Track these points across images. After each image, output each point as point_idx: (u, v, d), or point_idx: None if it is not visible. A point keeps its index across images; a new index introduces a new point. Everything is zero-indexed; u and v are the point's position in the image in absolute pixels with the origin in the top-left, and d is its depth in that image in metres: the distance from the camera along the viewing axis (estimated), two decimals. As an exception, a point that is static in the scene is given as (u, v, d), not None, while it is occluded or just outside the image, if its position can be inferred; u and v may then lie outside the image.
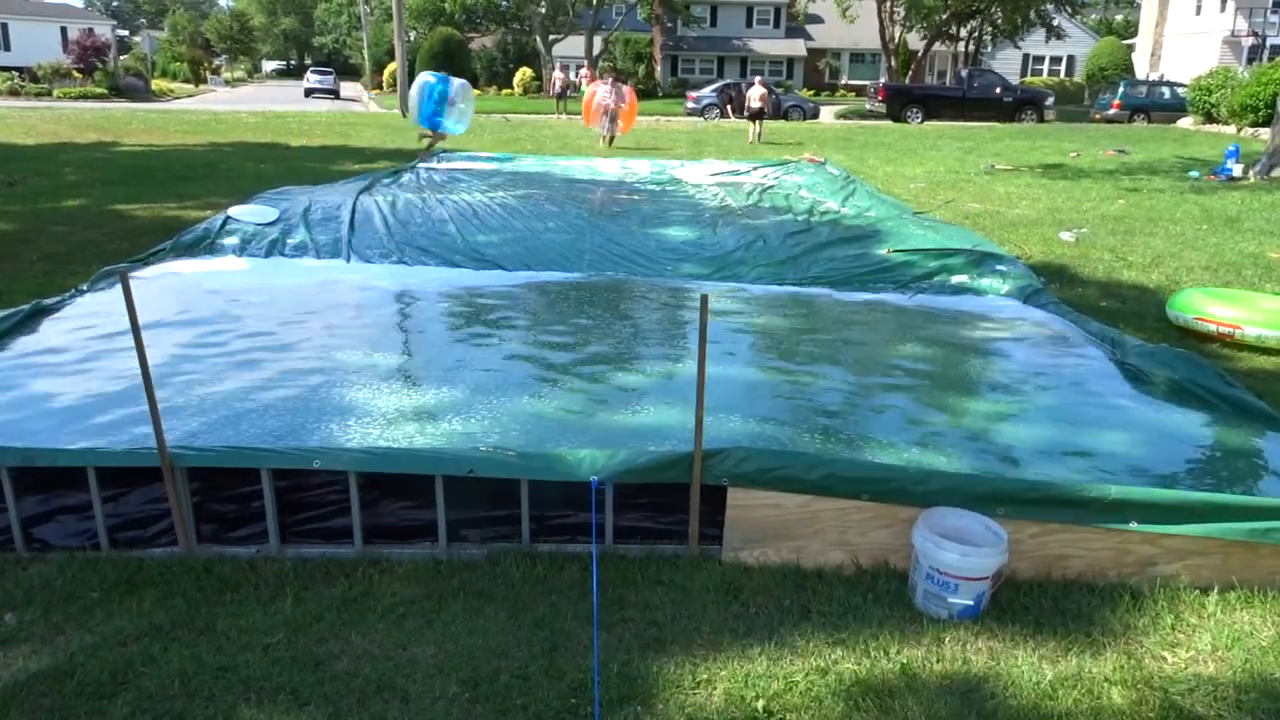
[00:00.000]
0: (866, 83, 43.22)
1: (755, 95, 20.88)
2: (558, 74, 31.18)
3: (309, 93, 42.65)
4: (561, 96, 29.67)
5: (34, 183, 11.44)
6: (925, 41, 37.45)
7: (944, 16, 35.68)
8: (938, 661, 2.60)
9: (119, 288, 3.36)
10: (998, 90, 29.65)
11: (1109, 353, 4.89)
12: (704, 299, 2.79)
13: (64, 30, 44.43)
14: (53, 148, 15.93)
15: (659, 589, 2.94)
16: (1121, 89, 29.39)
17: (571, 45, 43.89)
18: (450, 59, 45.79)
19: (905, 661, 2.60)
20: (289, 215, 7.64)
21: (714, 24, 47.86)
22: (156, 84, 43.44)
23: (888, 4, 36.26)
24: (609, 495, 3.11)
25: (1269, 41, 34.66)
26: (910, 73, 38.02)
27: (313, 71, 44.65)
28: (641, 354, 4.62)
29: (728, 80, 37.50)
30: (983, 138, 22.00)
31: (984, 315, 5.74)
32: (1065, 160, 16.86)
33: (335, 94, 42.63)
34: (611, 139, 18.18)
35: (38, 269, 6.86)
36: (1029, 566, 3.00)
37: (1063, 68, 47.05)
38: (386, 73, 47.29)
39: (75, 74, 36.24)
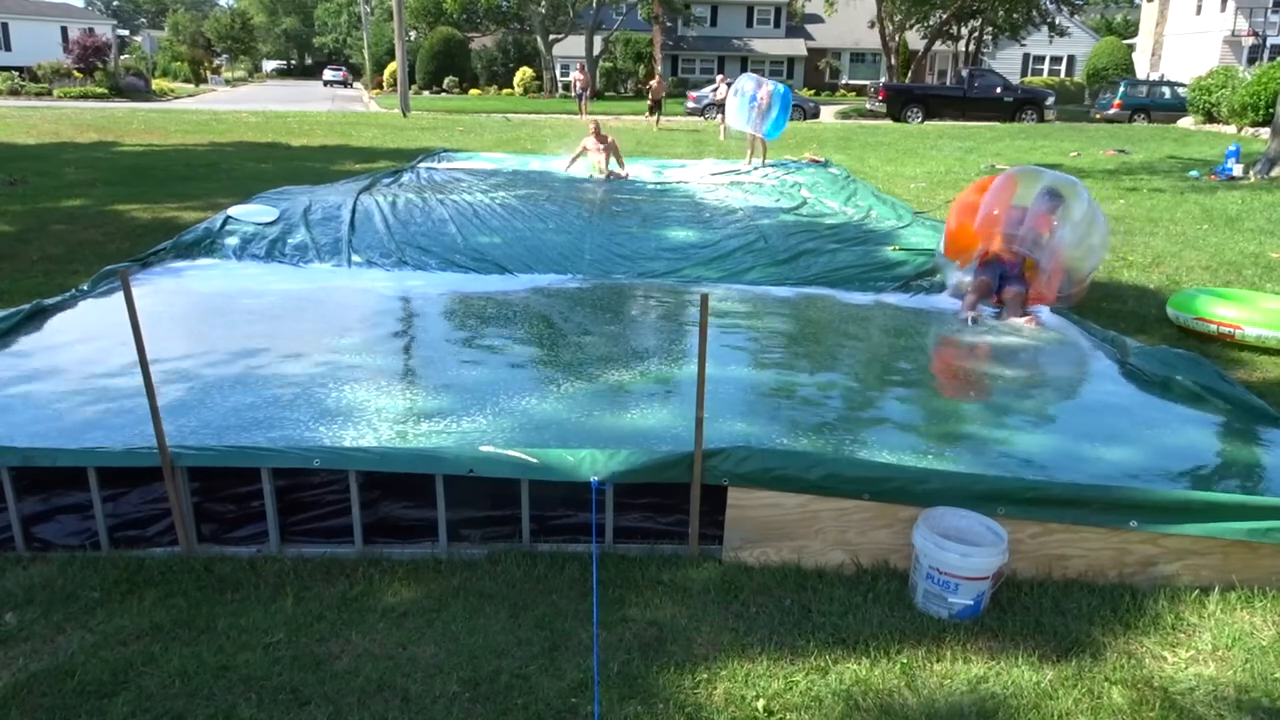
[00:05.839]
0: (867, 82, 43.22)
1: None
2: (576, 74, 31.02)
3: (327, 83, 57.91)
4: (581, 98, 29.31)
5: (34, 182, 11.44)
6: (926, 41, 37.44)
7: (944, 16, 35.65)
8: (938, 661, 2.60)
9: (119, 287, 3.36)
10: (998, 90, 29.61)
11: (1109, 353, 4.89)
12: (704, 299, 2.79)
13: (64, 30, 44.45)
14: (53, 147, 15.93)
15: (659, 589, 2.94)
16: (1122, 89, 29.36)
17: (572, 45, 43.90)
18: (450, 58, 45.93)
19: (905, 661, 2.60)
20: (289, 215, 7.64)
21: (714, 24, 47.87)
22: (157, 84, 43.47)
23: (887, 4, 36.22)
24: (609, 495, 3.11)
25: (1269, 41, 34.66)
26: (911, 72, 38.00)
27: (329, 69, 61.72)
28: (642, 354, 4.62)
29: (729, 80, 37.51)
30: (983, 137, 21.98)
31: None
32: (1065, 160, 16.85)
33: (347, 84, 58.12)
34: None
35: (38, 269, 6.85)
36: (1029, 566, 3.00)
37: (1063, 67, 47.04)
38: (387, 72, 47.29)
39: (76, 74, 36.23)
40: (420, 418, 3.62)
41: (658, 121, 24.11)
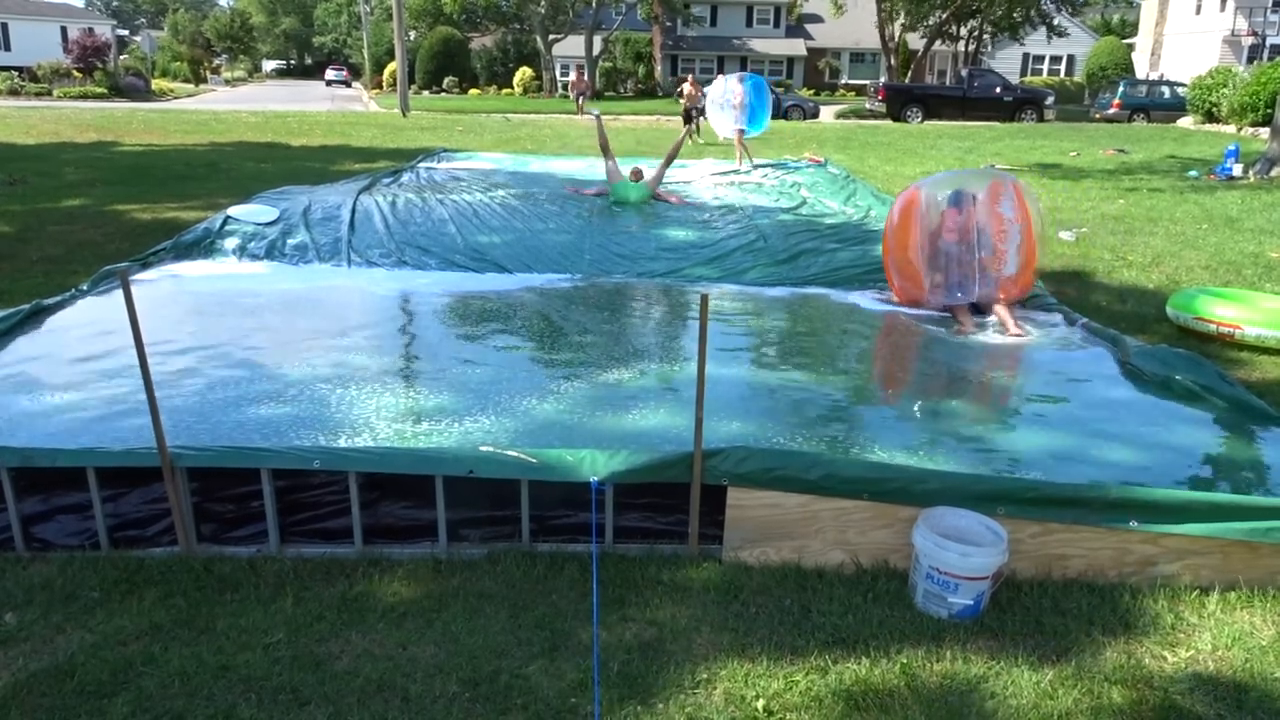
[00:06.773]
0: (867, 82, 43.20)
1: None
2: (574, 77, 30.82)
3: (329, 82, 58.75)
4: (579, 100, 28.97)
5: (34, 182, 11.44)
6: (925, 41, 37.45)
7: (943, 15, 35.67)
8: (938, 661, 2.60)
9: (119, 287, 3.36)
10: (998, 90, 29.63)
11: (1109, 352, 4.89)
12: (704, 299, 2.79)
13: (64, 30, 44.44)
14: (53, 147, 15.93)
15: (659, 589, 2.94)
16: (1121, 88, 29.38)
17: (572, 45, 43.90)
18: (450, 58, 45.94)
19: (905, 661, 2.60)
20: (289, 215, 7.64)
21: (714, 24, 47.84)
22: (156, 84, 43.49)
23: (887, 3, 36.24)
24: (609, 495, 3.11)
25: (1269, 41, 34.66)
26: (910, 72, 38.00)
27: (331, 69, 62.95)
28: (642, 354, 4.62)
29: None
30: (983, 137, 21.99)
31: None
32: (1065, 160, 16.86)
33: (348, 84, 58.97)
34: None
35: (37, 269, 6.85)
36: (1029, 566, 3.00)
37: (1063, 67, 47.04)
38: (386, 72, 47.30)
39: (75, 74, 36.24)
40: (420, 418, 3.62)
41: (694, 133, 18.56)
